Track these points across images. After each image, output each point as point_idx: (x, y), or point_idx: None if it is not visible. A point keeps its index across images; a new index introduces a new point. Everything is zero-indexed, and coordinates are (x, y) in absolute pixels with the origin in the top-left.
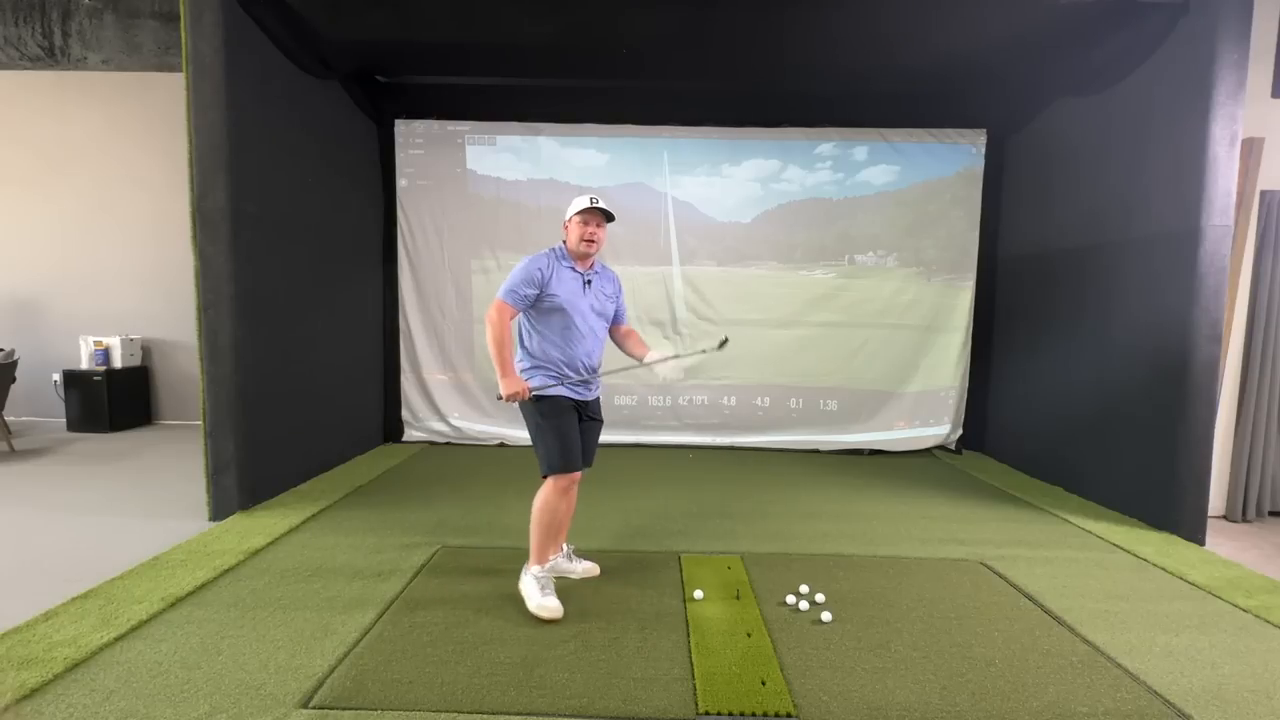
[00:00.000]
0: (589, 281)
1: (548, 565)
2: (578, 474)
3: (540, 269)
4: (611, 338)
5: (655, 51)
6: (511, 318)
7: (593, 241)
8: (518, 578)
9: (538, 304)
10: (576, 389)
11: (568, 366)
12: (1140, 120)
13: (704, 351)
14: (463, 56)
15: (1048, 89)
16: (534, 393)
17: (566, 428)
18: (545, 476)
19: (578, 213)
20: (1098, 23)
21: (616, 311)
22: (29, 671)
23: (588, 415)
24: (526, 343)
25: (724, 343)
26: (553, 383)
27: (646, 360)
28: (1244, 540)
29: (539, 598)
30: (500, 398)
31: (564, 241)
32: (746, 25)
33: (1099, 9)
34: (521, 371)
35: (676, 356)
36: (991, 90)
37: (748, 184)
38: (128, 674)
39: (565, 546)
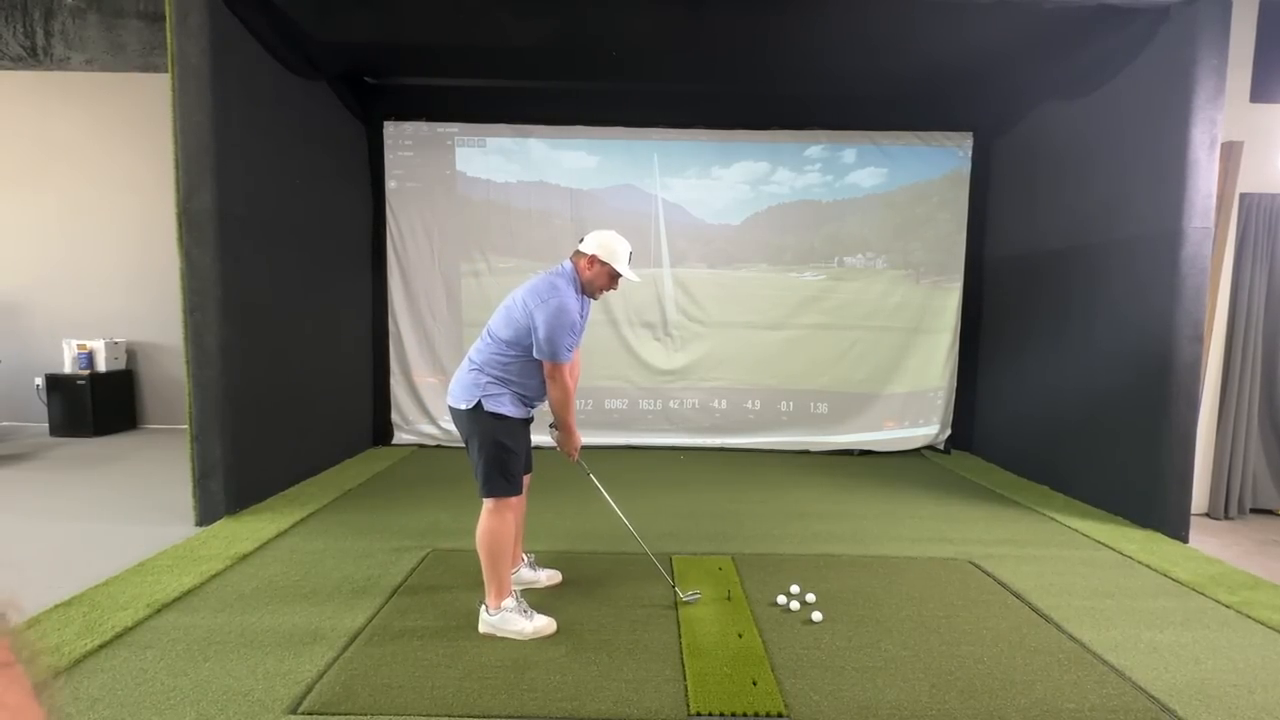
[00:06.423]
0: (584, 313)
1: (514, 585)
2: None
3: (575, 311)
4: None
5: (645, 54)
6: None
7: (606, 291)
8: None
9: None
10: (532, 408)
11: (539, 397)
12: (1123, 124)
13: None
14: (451, 58)
15: (1033, 93)
16: (495, 411)
17: (520, 449)
18: (489, 498)
19: (615, 267)
20: (1081, 28)
21: None
22: None
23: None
24: (504, 370)
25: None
26: (520, 407)
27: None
28: (1226, 537)
29: (529, 624)
30: (572, 456)
31: (574, 267)
32: (735, 29)
33: (1082, 14)
34: (487, 388)
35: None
36: (977, 94)
37: (737, 186)
38: (112, 682)
39: (526, 556)
